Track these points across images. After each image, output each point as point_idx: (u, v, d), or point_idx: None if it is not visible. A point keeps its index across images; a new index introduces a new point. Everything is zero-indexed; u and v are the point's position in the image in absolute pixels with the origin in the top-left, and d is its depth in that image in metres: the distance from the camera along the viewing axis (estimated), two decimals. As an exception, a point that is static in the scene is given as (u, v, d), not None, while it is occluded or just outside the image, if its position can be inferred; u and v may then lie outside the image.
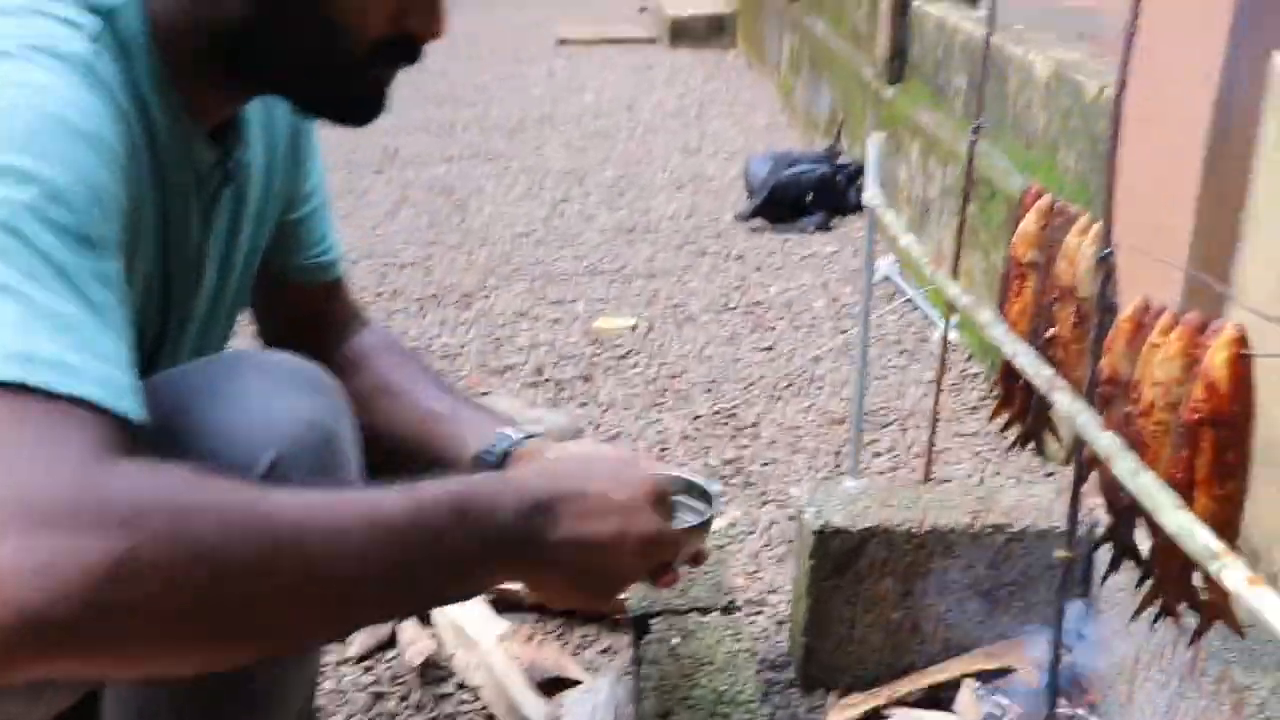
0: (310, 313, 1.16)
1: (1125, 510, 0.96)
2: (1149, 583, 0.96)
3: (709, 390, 2.47)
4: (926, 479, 1.60)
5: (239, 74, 0.87)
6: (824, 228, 3.46)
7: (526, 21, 7.61)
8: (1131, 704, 1.34)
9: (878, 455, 2.20)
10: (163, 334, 0.93)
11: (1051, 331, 1.11)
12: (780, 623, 1.68)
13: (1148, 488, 0.76)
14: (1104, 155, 2.04)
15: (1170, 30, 1.64)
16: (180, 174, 0.88)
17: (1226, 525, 0.88)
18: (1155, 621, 0.98)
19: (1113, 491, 0.96)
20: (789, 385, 2.49)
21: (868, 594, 1.49)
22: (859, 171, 3.59)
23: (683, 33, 6.75)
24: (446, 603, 0.81)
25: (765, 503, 2.03)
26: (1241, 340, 0.83)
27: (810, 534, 1.46)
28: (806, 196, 3.47)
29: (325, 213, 1.14)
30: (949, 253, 2.87)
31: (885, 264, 3.07)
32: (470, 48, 6.78)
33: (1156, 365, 0.90)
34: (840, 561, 1.47)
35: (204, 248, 0.95)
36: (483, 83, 5.79)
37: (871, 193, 1.48)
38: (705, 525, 1.01)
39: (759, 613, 1.72)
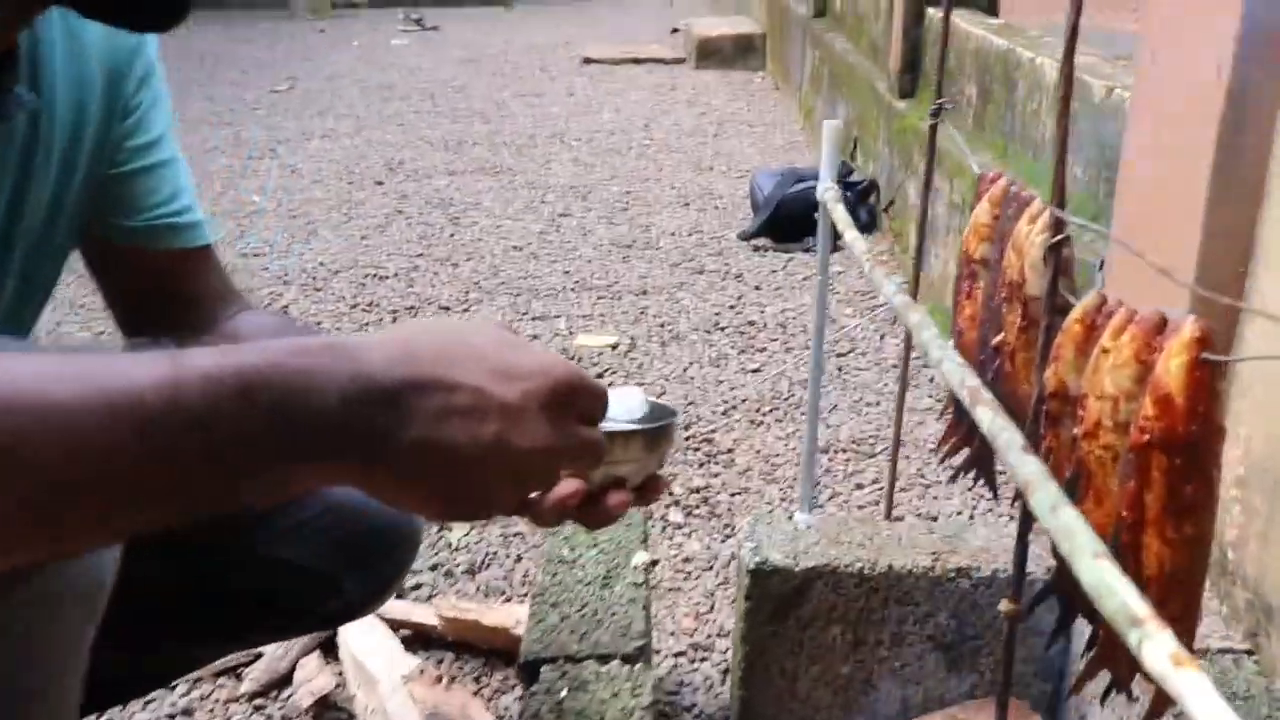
0: (161, 283, 1.02)
1: (1070, 555, 0.77)
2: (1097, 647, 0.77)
3: (686, 412, 2.29)
4: (889, 515, 1.41)
5: None
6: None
7: (554, 41, 7.52)
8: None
9: (860, 487, 2.01)
10: None
11: (999, 338, 0.93)
12: (725, 672, 1.50)
13: (1066, 528, 0.58)
14: (1112, 161, 1.85)
15: (1177, 16, 1.46)
16: None
17: (1186, 577, 0.69)
18: (1105, 697, 0.79)
19: (1054, 532, 0.78)
20: (773, 410, 2.30)
21: (813, 643, 1.30)
22: (870, 188, 3.40)
23: (710, 53, 6.60)
24: (254, 503, 0.60)
25: (728, 536, 1.85)
26: (1203, 341, 0.64)
27: (746, 573, 1.28)
28: (813, 214, 3.27)
29: (170, 171, 1.00)
30: (951, 275, 2.68)
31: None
32: (494, 65, 6.69)
33: (1105, 374, 0.72)
34: (780, 605, 1.29)
35: None
36: (501, 100, 5.67)
37: (825, 186, 1.30)
38: (656, 435, 0.75)
39: (704, 659, 1.54)
